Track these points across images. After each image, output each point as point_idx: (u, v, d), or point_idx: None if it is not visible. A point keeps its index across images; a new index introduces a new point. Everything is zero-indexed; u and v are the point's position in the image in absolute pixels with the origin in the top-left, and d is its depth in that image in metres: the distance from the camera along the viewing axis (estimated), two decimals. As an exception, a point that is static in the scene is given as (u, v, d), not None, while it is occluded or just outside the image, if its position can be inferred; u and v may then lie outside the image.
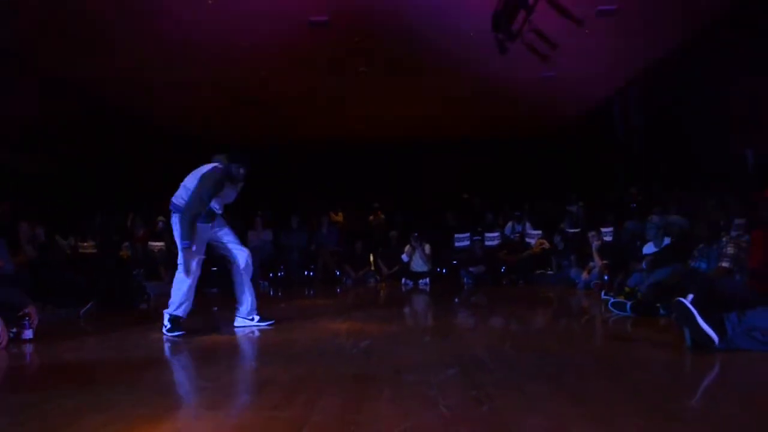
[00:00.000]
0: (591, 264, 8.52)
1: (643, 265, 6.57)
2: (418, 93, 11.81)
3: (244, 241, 5.14)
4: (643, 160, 11.70)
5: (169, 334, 4.42)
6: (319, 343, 4.13)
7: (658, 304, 4.94)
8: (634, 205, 10.31)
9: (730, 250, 4.89)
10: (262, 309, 5.03)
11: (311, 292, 9.50)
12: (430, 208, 13.87)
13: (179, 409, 2.47)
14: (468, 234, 11.46)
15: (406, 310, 7.05)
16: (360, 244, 11.64)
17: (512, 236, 11.22)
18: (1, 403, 2.57)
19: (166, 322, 4.49)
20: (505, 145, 15.08)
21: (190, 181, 4.53)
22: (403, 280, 10.55)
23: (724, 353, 3.17)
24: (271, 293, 8.92)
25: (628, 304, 5.11)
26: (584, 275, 8.51)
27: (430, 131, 14.64)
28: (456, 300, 7.90)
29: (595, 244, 8.57)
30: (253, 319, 4.89)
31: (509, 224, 11.75)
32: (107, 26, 8.48)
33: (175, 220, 4.59)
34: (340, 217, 13.36)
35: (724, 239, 5.16)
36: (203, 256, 4.67)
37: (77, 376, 3.14)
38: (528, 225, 11.51)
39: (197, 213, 4.40)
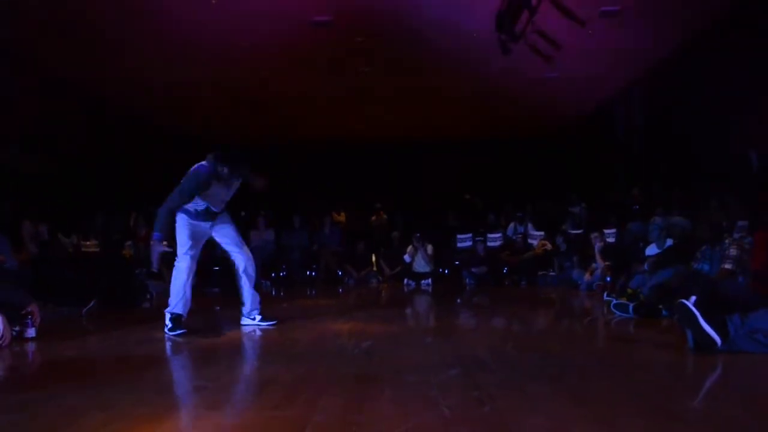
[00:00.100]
0: (593, 265, 8.51)
1: (646, 266, 6.56)
2: (419, 93, 11.82)
3: (246, 241, 5.13)
4: (644, 161, 11.69)
5: (171, 333, 4.42)
6: (321, 343, 4.13)
7: (661, 306, 4.93)
8: (636, 207, 10.30)
9: (732, 252, 4.88)
10: (264, 309, 5.03)
11: (313, 292, 9.50)
12: (430, 209, 13.87)
13: (180, 409, 2.47)
14: (470, 235, 11.45)
15: (408, 310, 7.05)
16: (362, 244, 11.64)
17: (514, 237, 11.21)
18: (3, 401, 2.57)
19: (167, 321, 4.50)
20: (505, 146, 15.09)
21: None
22: (405, 280, 10.55)
23: (726, 355, 3.16)
24: (273, 293, 8.91)
25: (631, 305, 5.10)
26: (587, 276, 8.50)
27: (430, 131, 14.64)
28: (458, 301, 7.90)
29: (598, 245, 8.55)
30: (254, 319, 4.90)
31: (511, 225, 11.74)
32: (108, 26, 8.50)
33: (178, 219, 4.62)
34: (342, 218, 13.36)
35: (726, 241, 5.15)
36: (194, 252, 4.66)
37: (79, 375, 3.14)
38: (530, 226, 11.50)
39: (174, 207, 4.38)
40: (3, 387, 3.04)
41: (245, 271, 4.82)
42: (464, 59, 9.94)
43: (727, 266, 4.85)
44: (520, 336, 4.65)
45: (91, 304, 6.11)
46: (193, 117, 13.01)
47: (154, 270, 4.48)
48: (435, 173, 15.42)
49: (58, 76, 10.19)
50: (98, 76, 10.43)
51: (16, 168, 9.11)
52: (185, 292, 4.56)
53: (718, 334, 3.20)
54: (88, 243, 9.59)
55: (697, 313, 3.24)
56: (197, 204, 4.56)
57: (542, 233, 10.95)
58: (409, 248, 10.70)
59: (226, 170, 4.35)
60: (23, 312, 4.26)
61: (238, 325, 4.91)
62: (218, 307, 6.93)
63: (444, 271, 11.63)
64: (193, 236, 4.64)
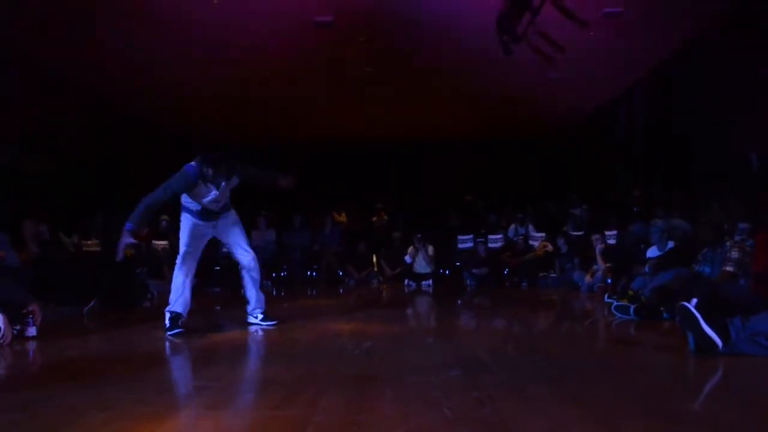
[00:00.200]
0: (594, 267, 8.50)
1: (647, 268, 6.55)
2: (419, 93, 11.82)
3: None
4: (645, 161, 11.70)
5: (167, 333, 4.41)
6: (322, 343, 4.12)
7: (662, 308, 4.92)
8: (637, 209, 10.30)
9: (734, 254, 4.88)
10: (266, 309, 5.03)
11: (314, 292, 9.50)
12: (430, 209, 13.88)
13: (181, 409, 2.47)
14: (471, 236, 11.45)
15: (409, 311, 7.04)
16: (363, 244, 11.63)
17: (515, 238, 11.20)
18: (3, 400, 2.58)
19: (167, 320, 4.50)
20: (505, 146, 15.09)
21: None
22: (406, 281, 10.54)
23: (727, 358, 3.16)
24: (274, 293, 8.91)
25: (632, 307, 5.10)
26: (587, 278, 8.49)
27: (430, 131, 14.65)
28: (459, 301, 7.89)
29: (599, 247, 8.55)
30: (256, 317, 4.91)
31: (512, 226, 11.73)
32: (108, 26, 8.50)
33: (182, 218, 4.68)
34: (343, 218, 13.35)
35: (728, 243, 5.14)
36: (195, 250, 4.68)
37: (79, 374, 3.14)
38: (531, 227, 11.50)
39: (153, 203, 4.37)
40: (3, 386, 3.04)
41: (249, 272, 4.83)
42: (465, 59, 9.94)
43: (729, 268, 4.84)
44: (521, 337, 4.65)
45: (92, 303, 6.11)
46: (193, 117, 13.02)
47: (119, 259, 4.45)
48: (435, 173, 15.43)
49: (58, 76, 10.20)
50: (98, 76, 10.45)
51: (17, 168, 9.11)
52: (184, 290, 4.56)
53: (720, 336, 3.19)
54: (89, 242, 9.59)
55: (699, 316, 3.24)
56: (193, 204, 4.58)
57: (543, 234, 10.94)
58: (410, 249, 10.70)
59: (210, 172, 4.34)
60: (24, 311, 4.26)
61: (239, 324, 4.91)
62: (219, 307, 6.94)
63: (445, 272, 11.63)
64: (196, 235, 4.66)
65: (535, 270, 10.09)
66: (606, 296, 6.54)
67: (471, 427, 2.05)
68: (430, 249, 10.66)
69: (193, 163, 4.45)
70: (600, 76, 10.96)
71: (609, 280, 7.81)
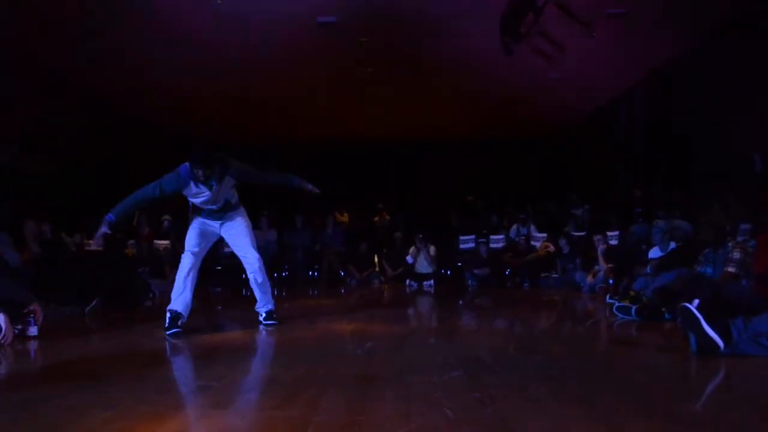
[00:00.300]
0: (596, 267, 8.49)
1: (649, 269, 6.54)
2: (419, 93, 11.82)
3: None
4: (646, 162, 11.69)
5: (166, 332, 4.40)
6: (323, 343, 4.12)
7: (664, 309, 4.91)
8: (639, 209, 10.28)
9: (736, 254, 4.86)
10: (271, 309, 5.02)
11: (315, 292, 9.50)
12: (430, 209, 13.88)
13: (182, 408, 2.47)
14: (473, 236, 11.45)
15: (410, 311, 7.05)
16: (365, 244, 11.64)
17: (517, 239, 11.20)
18: (4, 400, 2.58)
19: (167, 319, 4.49)
20: (506, 146, 15.09)
21: None
22: (408, 281, 10.54)
23: (729, 359, 3.15)
24: (276, 293, 8.90)
25: (633, 308, 5.09)
26: (589, 279, 8.49)
27: (430, 131, 14.65)
28: (460, 302, 7.89)
29: (601, 247, 8.54)
30: (261, 316, 4.91)
31: (514, 227, 11.73)
32: (109, 26, 8.50)
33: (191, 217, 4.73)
34: (345, 218, 13.35)
35: (730, 244, 5.13)
36: (199, 250, 4.68)
37: (80, 374, 3.14)
38: (533, 228, 11.49)
39: (142, 198, 4.38)
40: (5, 385, 3.04)
41: (253, 275, 4.82)
42: (465, 59, 9.94)
43: (731, 269, 4.83)
44: (522, 338, 4.64)
45: (94, 303, 6.12)
46: (193, 117, 13.02)
47: (93, 246, 4.45)
48: (435, 173, 15.42)
49: (58, 76, 10.21)
50: (98, 76, 10.45)
51: (17, 168, 9.11)
52: (185, 289, 4.55)
53: (721, 337, 3.18)
54: (91, 242, 9.59)
55: (700, 317, 3.23)
56: (192, 202, 4.58)
57: (545, 235, 10.94)
58: (412, 249, 10.70)
59: (200, 172, 4.31)
60: (25, 311, 4.27)
61: (240, 324, 4.93)
62: (220, 307, 6.94)
63: (446, 272, 11.63)
64: (203, 234, 4.68)
65: (537, 270, 10.08)
66: (608, 297, 6.53)
67: (472, 427, 2.04)
68: (432, 249, 10.66)
69: (187, 163, 4.45)
70: (600, 76, 10.95)
71: (611, 281, 7.79)
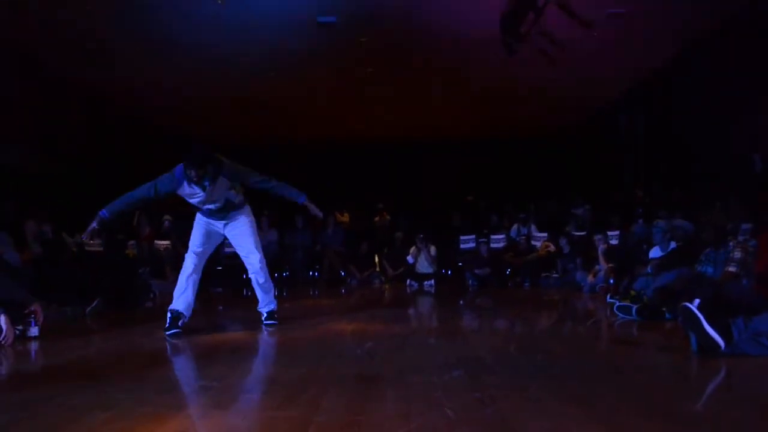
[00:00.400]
0: (597, 267, 8.48)
1: (649, 269, 6.53)
2: (419, 93, 11.82)
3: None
4: (646, 162, 11.69)
5: (166, 332, 4.39)
6: (324, 343, 4.12)
7: (664, 309, 4.90)
8: (640, 209, 10.28)
9: (737, 254, 4.85)
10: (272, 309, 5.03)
11: (316, 292, 9.50)
12: (431, 209, 13.88)
13: (182, 408, 2.47)
14: (473, 236, 11.44)
15: (411, 311, 7.04)
16: (365, 244, 11.63)
17: (518, 239, 11.19)
18: (5, 400, 2.58)
19: (168, 319, 4.49)
20: (506, 146, 15.10)
21: None
22: (408, 281, 10.54)
23: (730, 358, 3.14)
24: (276, 293, 8.91)
25: (634, 307, 5.09)
26: (590, 278, 8.48)
27: (430, 131, 14.65)
28: (461, 302, 7.89)
29: (602, 247, 8.53)
30: (263, 316, 4.92)
31: (515, 226, 11.72)
32: (109, 26, 8.51)
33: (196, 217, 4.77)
34: (346, 218, 13.35)
35: (731, 243, 5.12)
36: (203, 250, 4.69)
37: (81, 374, 3.15)
38: (533, 227, 11.48)
39: (138, 197, 4.40)
40: (5, 386, 3.05)
41: (254, 276, 4.83)
42: (465, 59, 9.95)
43: (731, 269, 4.82)
44: (523, 337, 4.64)
45: (95, 303, 6.12)
46: (193, 117, 13.02)
47: (82, 238, 4.46)
48: (435, 173, 15.43)
49: (58, 76, 10.21)
50: (98, 76, 10.46)
51: (17, 168, 9.12)
52: (186, 289, 4.55)
53: (722, 337, 3.18)
54: (91, 242, 9.59)
55: (701, 316, 3.23)
56: (190, 203, 4.59)
57: (545, 235, 10.93)
58: (412, 249, 10.69)
59: (193, 173, 4.31)
60: (26, 311, 4.27)
61: (241, 324, 4.93)
62: (221, 307, 6.94)
63: (447, 272, 11.62)
64: (207, 234, 4.69)
65: (538, 270, 10.08)
66: (608, 296, 6.53)
67: (472, 427, 2.04)
68: (433, 249, 10.66)
69: (181, 164, 4.45)
70: (601, 77, 10.95)
71: (611, 281, 7.79)
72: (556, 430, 2.02)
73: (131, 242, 9.83)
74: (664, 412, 2.23)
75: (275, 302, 5.01)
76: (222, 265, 10.19)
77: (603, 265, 8.29)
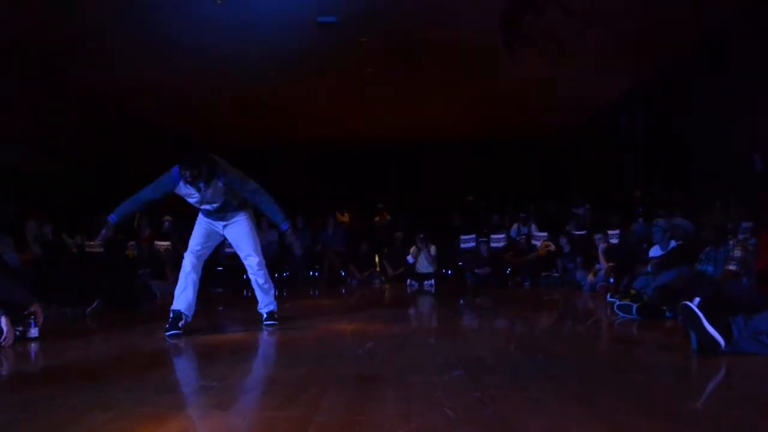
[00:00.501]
0: (597, 266, 8.49)
1: (649, 268, 6.53)
2: (419, 93, 11.81)
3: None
4: (646, 162, 11.69)
5: (166, 333, 4.38)
6: (323, 343, 4.12)
7: (664, 307, 4.90)
8: (640, 209, 10.29)
9: (737, 253, 4.86)
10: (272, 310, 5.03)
11: (316, 292, 9.50)
12: (431, 209, 13.88)
13: (183, 408, 2.47)
14: (473, 235, 11.45)
15: (411, 311, 7.05)
16: (365, 244, 11.63)
17: (518, 238, 11.19)
18: (5, 400, 2.58)
19: (169, 319, 4.49)
20: (506, 146, 15.10)
21: None
22: (408, 281, 10.55)
23: (730, 357, 3.14)
24: (276, 293, 8.91)
25: (634, 306, 5.09)
26: (590, 278, 8.48)
27: (430, 131, 14.65)
28: (461, 301, 7.89)
29: (602, 246, 8.54)
30: (264, 316, 4.92)
31: (515, 226, 11.73)
32: (109, 26, 8.50)
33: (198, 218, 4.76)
34: (346, 218, 13.35)
35: (731, 242, 5.12)
36: (202, 249, 4.69)
37: (81, 375, 3.15)
38: (534, 227, 11.48)
39: (140, 200, 4.41)
40: (6, 386, 3.04)
41: (254, 277, 4.84)
42: (465, 59, 9.94)
43: (731, 267, 4.82)
44: (523, 337, 4.64)
45: (95, 304, 6.12)
46: (193, 117, 13.03)
47: (98, 241, 4.50)
48: (435, 173, 15.43)
49: (58, 76, 10.21)
50: (98, 76, 10.46)
51: (17, 168, 9.12)
52: (186, 286, 4.55)
53: (722, 335, 3.18)
54: (91, 243, 9.59)
55: (701, 315, 3.23)
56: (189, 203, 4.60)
57: (546, 234, 10.93)
58: (413, 249, 10.70)
59: (188, 173, 4.31)
60: (26, 312, 4.27)
61: (241, 324, 4.93)
62: (221, 307, 6.94)
63: (447, 271, 11.62)
64: (207, 234, 4.69)
65: (538, 269, 10.08)
66: (608, 295, 6.53)
67: (473, 427, 2.04)
68: (433, 249, 10.67)
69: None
70: (601, 76, 10.95)
71: (611, 280, 7.79)
72: (556, 429, 2.02)
73: (131, 243, 9.84)
74: (665, 410, 2.22)
75: (275, 303, 5.01)
76: (222, 266, 10.19)
77: (603, 264, 8.29)
